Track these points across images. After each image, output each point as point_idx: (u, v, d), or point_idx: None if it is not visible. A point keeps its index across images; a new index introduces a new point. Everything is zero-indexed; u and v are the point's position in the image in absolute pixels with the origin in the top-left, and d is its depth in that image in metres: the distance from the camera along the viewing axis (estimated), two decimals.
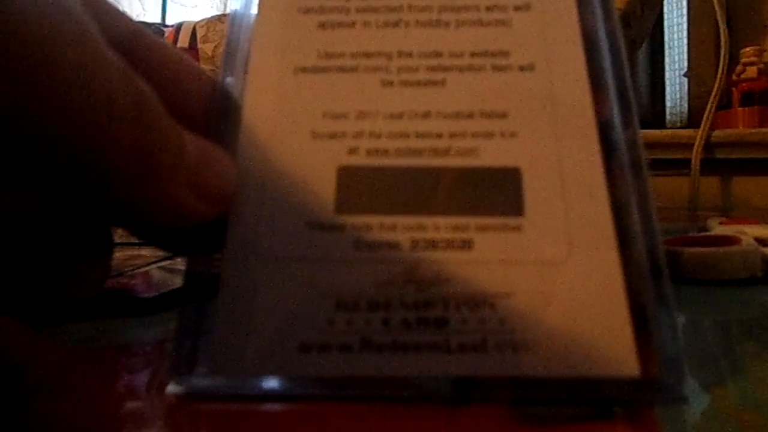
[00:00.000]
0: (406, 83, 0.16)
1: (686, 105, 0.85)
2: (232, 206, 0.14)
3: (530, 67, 0.16)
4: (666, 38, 0.87)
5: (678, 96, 0.87)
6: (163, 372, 0.15)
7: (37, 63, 0.09)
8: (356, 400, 0.13)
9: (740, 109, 0.73)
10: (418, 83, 0.16)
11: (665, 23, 0.87)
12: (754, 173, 0.73)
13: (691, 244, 0.26)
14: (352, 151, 0.15)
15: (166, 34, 0.85)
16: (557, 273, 0.14)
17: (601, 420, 0.12)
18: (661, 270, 0.14)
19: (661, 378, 0.13)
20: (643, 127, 0.15)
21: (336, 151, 0.15)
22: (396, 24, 0.17)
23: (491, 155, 0.15)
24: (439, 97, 0.16)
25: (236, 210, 0.14)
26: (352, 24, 0.17)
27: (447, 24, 0.17)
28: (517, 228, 0.14)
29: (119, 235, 0.18)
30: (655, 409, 0.13)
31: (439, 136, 0.15)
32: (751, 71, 0.72)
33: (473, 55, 0.16)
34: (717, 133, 0.72)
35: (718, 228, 0.34)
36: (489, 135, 0.15)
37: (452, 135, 0.15)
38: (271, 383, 0.13)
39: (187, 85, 0.15)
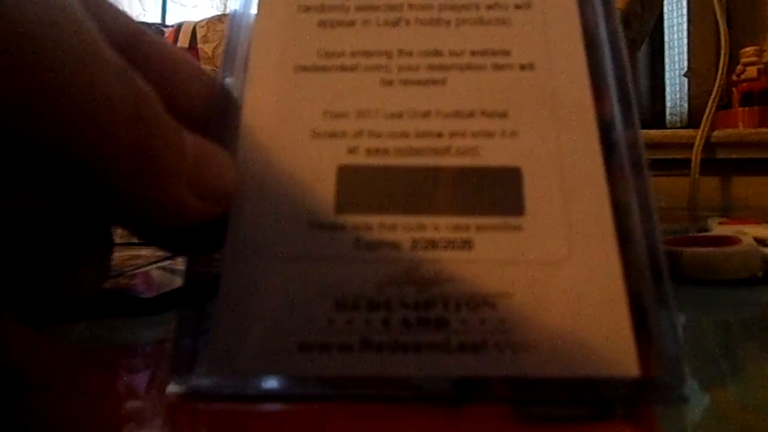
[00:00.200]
0: (406, 82, 0.16)
1: (686, 105, 0.85)
2: (232, 206, 0.14)
3: (531, 66, 0.16)
4: (666, 38, 0.87)
5: (678, 96, 0.87)
6: (163, 372, 0.15)
7: (36, 62, 0.09)
8: (356, 400, 0.13)
9: (740, 109, 0.73)
10: (418, 82, 0.16)
11: (665, 23, 0.87)
12: (754, 173, 0.73)
13: (691, 244, 0.26)
14: (352, 150, 0.15)
15: (166, 34, 0.85)
16: (557, 273, 0.14)
17: (601, 420, 0.12)
18: (661, 270, 0.14)
19: (661, 378, 0.13)
20: (643, 127, 0.15)
21: (336, 150, 0.15)
22: (396, 22, 0.17)
23: (491, 155, 0.15)
24: (439, 96, 0.16)
25: (236, 209, 0.14)
26: (352, 22, 0.17)
27: (447, 22, 0.17)
28: (518, 228, 0.14)
29: (119, 235, 0.18)
30: (655, 409, 0.13)
31: (440, 135, 0.15)
32: (751, 71, 0.72)
33: (473, 53, 0.16)
34: (717, 133, 0.72)
35: (718, 228, 0.34)
36: (489, 134, 0.15)
37: (452, 134, 0.15)
38: (271, 383, 0.13)
39: (187, 85, 0.15)
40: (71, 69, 0.10)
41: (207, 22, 0.84)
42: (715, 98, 0.72)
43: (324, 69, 0.16)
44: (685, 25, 0.85)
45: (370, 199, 0.15)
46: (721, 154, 0.72)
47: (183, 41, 0.83)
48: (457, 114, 0.15)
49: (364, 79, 0.16)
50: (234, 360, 0.13)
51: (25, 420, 0.13)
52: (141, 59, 0.13)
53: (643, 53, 0.86)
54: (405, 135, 0.15)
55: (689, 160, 0.71)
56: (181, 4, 1.44)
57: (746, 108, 0.73)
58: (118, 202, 0.12)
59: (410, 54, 0.16)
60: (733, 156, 0.72)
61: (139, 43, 0.14)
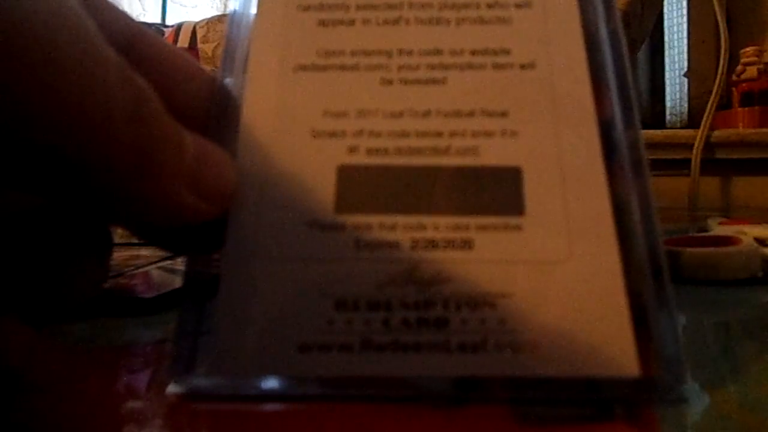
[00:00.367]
0: (406, 81, 0.16)
1: (686, 105, 0.85)
2: (232, 205, 0.14)
3: (531, 66, 0.16)
4: (666, 38, 0.87)
5: (678, 96, 0.87)
6: (163, 372, 0.15)
7: (35, 60, 0.09)
8: (356, 400, 0.13)
9: (740, 109, 0.73)
10: (418, 81, 0.16)
11: (665, 23, 0.87)
12: (754, 173, 0.73)
13: (691, 245, 0.26)
14: (352, 150, 0.15)
15: (166, 35, 0.85)
16: (558, 273, 0.14)
17: (601, 420, 0.12)
18: (661, 270, 0.14)
19: (661, 378, 0.13)
20: (643, 127, 0.15)
21: (336, 149, 0.15)
22: (396, 22, 0.17)
23: (492, 154, 0.15)
24: (439, 95, 0.16)
25: (236, 209, 0.14)
26: (352, 21, 0.17)
27: (447, 22, 0.17)
28: (518, 227, 0.14)
29: (119, 235, 0.18)
30: (655, 409, 0.13)
31: (440, 134, 0.15)
32: (751, 71, 0.72)
33: (474, 53, 0.16)
34: (717, 133, 0.72)
35: (718, 228, 0.34)
36: (489, 134, 0.15)
37: (452, 134, 0.15)
38: (271, 383, 0.13)
39: (187, 84, 0.15)
40: (71, 68, 0.10)
41: (207, 22, 0.84)
42: (715, 98, 0.72)
43: (324, 68, 0.16)
44: (685, 25, 0.85)
45: (370, 199, 0.15)
46: (721, 154, 0.72)
47: (183, 41, 0.83)
48: (457, 113, 0.15)
49: (364, 78, 0.16)
50: (234, 360, 0.13)
51: (25, 420, 0.13)
52: (141, 59, 0.13)
53: (643, 53, 0.86)
54: (405, 134, 0.15)
55: (689, 160, 0.71)
56: (181, 4, 1.44)
57: (746, 108, 0.73)
58: (117, 202, 0.12)
59: (410, 53, 0.16)
60: (733, 156, 0.72)
61: (139, 42, 0.14)
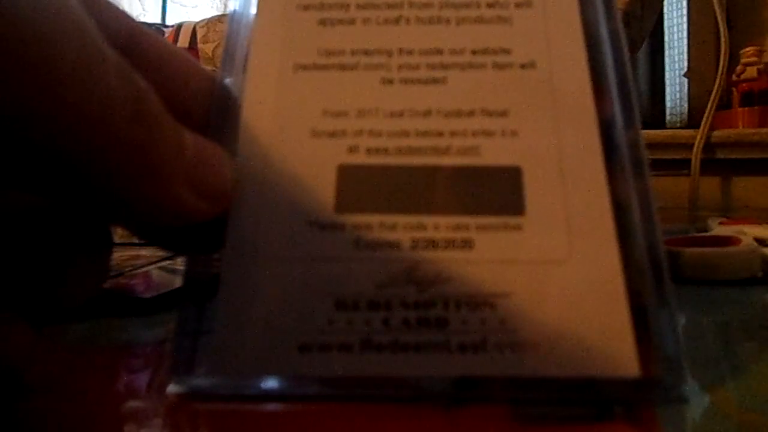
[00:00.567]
0: (406, 81, 0.16)
1: (686, 105, 0.85)
2: (232, 205, 0.14)
3: (531, 65, 0.16)
4: (666, 38, 0.87)
5: (678, 96, 0.87)
6: (163, 372, 0.15)
7: (35, 59, 0.09)
8: (356, 400, 0.13)
9: (740, 109, 0.73)
10: (418, 81, 0.16)
11: (665, 23, 0.87)
12: (754, 173, 0.73)
13: (691, 244, 0.26)
14: (352, 149, 0.15)
15: (166, 35, 0.85)
16: (558, 273, 0.14)
17: (601, 420, 0.12)
18: (661, 270, 0.14)
19: (661, 378, 0.13)
20: (643, 128, 0.15)
21: (336, 149, 0.15)
22: (396, 21, 0.17)
23: (492, 154, 0.15)
24: (439, 95, 0.16)
25: (236, 209, 0.14)
26: (352, 21, 0.17)
27: (448, 21, 0.17)
28: (518, 227, 0.14)
29: (119, 235, 0.18)
30: (655, 409, 0.13)
31: (440, 134, 0.15)
32: (751, 71, 0.72)
33: (474, 52, 0.16)
34: (717, 133, 0.72)
35: (718, 228, 0.34)
36: (490, 133, 0.15)
37: (453, 133, 0.15)
38: (271, 383, 0.13)
39: (187, 83, 0.15)
40: (71, 68, 0.10)
41: (207, 22, 0.84)
42: (715, 98, 0.72)
43: (324, 68, 0.16)
44: (685, 25, 0.85)
45: (370, 198, 0.15)
46: (721, 154, 0.72)
47: (183, 41, 0.83)
48: (457, 113, 0.15)
49: (364, 77, 0.16)
50: (234, 360, 0.13)
51: (25, 420, 0.13)
52: (141, 58, 0.13)
53: (643, 53, 0.86)
54: (405, 134, 0.15)
55: (689, 160, 0.71)
56: (181, 4, 1.44)
57: (746, 108, 0.73)
58: (117, 202, 0.12)
59: (410, 53, 0.16)
60: (733, 156, 0.72)
61: (139, 42, 0.14)
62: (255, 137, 0.15)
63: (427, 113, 0.15)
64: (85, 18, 0.10)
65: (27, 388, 0.14)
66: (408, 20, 0.17)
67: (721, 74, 0.72)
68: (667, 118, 0.87)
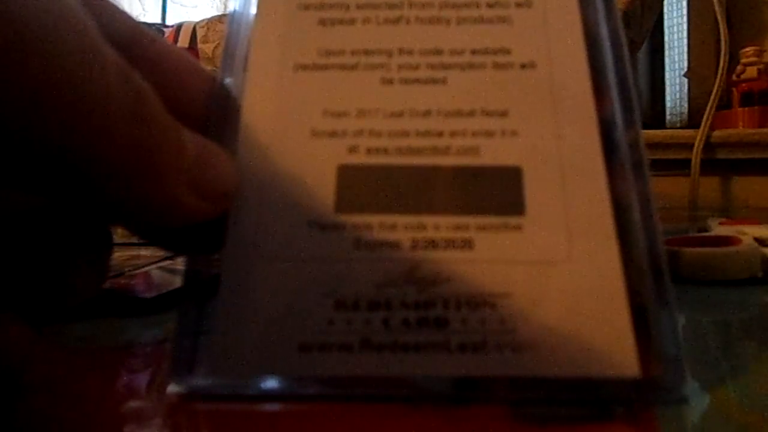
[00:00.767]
0: (406, 81, 0.16)
1: (686, 105, 0.85)
2: (232, 206, 0.14)
3: (531, 65, 0.16)
4: (666, 38, 0.87)
5: (678, 96, 0.87)
6: (163, 372, 0.15)
7: (34, 59, 0.09)
8: (356, 400, 0.13)
9: (740, 109, 0.73)
10: (418, 81, 0.16)
11: (665, 23, 0.87)
12: (754, 173, 0.73)
13: (691, 244, 0.26)
14: (352, 149, 0.15)
15: (166, 35, 0.85)
16: (558, 273, 0.14)
17: (601, 420, 0.12)
18: (661, 270, 0.14)
19: (661, 378, 0.13)
20: (643, 128, 0.15)
21: (336, 149, 0.15)
22: (396, 21, 0.17)
23: (492, 154, 0.15)
24: (439, 95, 0.16)
25: (236, 209, 0.14)
26: (353, 21, 0.17)
27: (448, 21, 0.17)
28: (518, 227, 0.14)
29: (119, 235, 0.18)
30: (655, 409, 0.13)
31: (440, 134, 0.15)
32: (751, 71, 0.72)
33: (474, 52, 0.16)
34: (717, 133, 0.72)
35: (718, 228, 0.34)
36: (490, 133, 0.15)
37: (453, 133, 0.15)
38: (271, 383, 0.13)
39: (187, 83, 0.15)
40: (70, 68, 0.10)
41: (207, 22, 0.84)
42: (715, 98, 0.72)
43: (324, 68, 0.16)
44: (685, 25, 0.85)
45: (370, 198, 0.15)
46: (721, 155, 0.73)
47: (183, 41, 0.83)
48: (457, 113, 0.15)
49: (364, 77, 0.16)
50: (234, 360, 0.13)
51: (25, 420, 0.13)
52: (140, 58, 0.13)
53: (643, 53, 0.86)
54: (405, 134, 0.15)
55: (689, 160, 0.71)
56: (181, 4, 1.44)
57: (746, 108, 0.73)
58: (117, 202, 0.12)
59: (411, 53, 0.16)
60: (733, 156, 0.72)
61: (139, 41, 0.14)
62: (255, 137, 0.15)
63: (427, 113, 0.15)
64: (84, 18, 0.10)
65: (27, 388, 0.14)
66: (408, 20, 0.17)
67: (721, 74, 0.72)
68: (667, 118, 0.87)
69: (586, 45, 0.16)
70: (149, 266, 0.26)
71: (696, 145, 0.71)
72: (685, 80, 0.85)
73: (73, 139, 0.10)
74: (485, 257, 0.14)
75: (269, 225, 0.14)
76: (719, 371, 0.15)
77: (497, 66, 0.16)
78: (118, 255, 0.28)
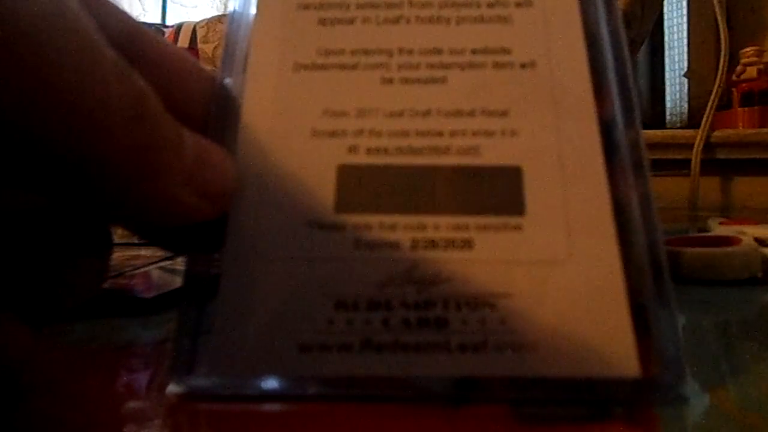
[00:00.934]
0: (406, 81, 0.16)
1: (686, 105, 0.85)
2: (232, 205, 0.14)
3: (532, 65, 0.16)
4: (666, 38, 0.87)
5: (678, 96, 0.87)
6: (163, 372, 0.15)
7: (34, 59, 0.09)
8: (356, 400, 0.13)
9: (740, 109, 0.73)
10: (418, 81, 0.16)
11: (665, 23, 0.87)
12: (754, 173, 0.73)
13: (691, 245, 0.26)
14: (352, 149, 0.15)
15: (166, 35, 0.85)
16: (558, 273, 0.14)
17: (600, 420, 0.12)
18: (661, 270, 0.14)
19: (661, 378, 0.13)
20: (643, 128, 0.15)
21: (336, 149, 0.15)
22: (396, 20, 0.17)
23: (492, 154, 0.15)
24: (439, 94, 0.16)
25: (236, 209, 0.14)
26: (352, 20, 0.17)
27: (448, 21, 0.17)
28: (518, 227, 0.14)
29: (119, 235, 0.18)
30: (655, 409, 0.13)
31: (440, 134, 0.15)
32: (751, 71, 0.72)
33: (474, 52, 0.16)
34: (717, 133, 0.72)
35: (718, 228, 0.34)
36: (490, 133, 0.15)
37: (453, 133, 0.15)
38: (271, 383, 0.13)
39: (187, 83, 0.15)
40: (70, 67, 0.10)
41: (207, 23, 0.84)
42: (715, 98, 0.72)
43: (324, 67, 0.16)
44: (685, 25, 0.85)
45: (370, 198, 0.15)
46: (721, 155, 0.73)
47: (183, 41, 0.83)
48: (457, 113, 0.15)
49: (364, 77, 0.16)
50: (234, 360, 0.13)
51: (25, 420, 0.13)
52: (140, 58, 0.13)
53: (643, 53, 0.86)
54: (405, 134, 0.15)
55: (689, 161, 0.71)
56: (181, 4, 1.44)
57: (746, 108, 0.73)
58: (117, 201, 0.12)
59: (410, 52, 0.16)
60: (733, 156, 0.72)
61: (139, 41, 0.14)
62: (255, 137, 0.15)
63: (427, 113, 0.15)
64: (84, 18, 0.10)
65: (27, 388, 0.14)
66: (408, 20, 0.17)
67: (721, 74, 0.72)
68: (667, 118, 0.87)
69: (586, 45, 0.16)
70: (149, 266, 0.26)
71: (696, 145, 0.71)
72: (685, 80, 0.85)
73: (72, 138, 0.10)
74: (485, 257, 0.14)
75: (269, 225, 0.14)
76: (719, 371, 0.15)
77: (497, 66, 0.16)
78: (118, 255, 0.28)
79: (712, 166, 0.73)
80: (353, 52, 0.16)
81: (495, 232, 0.14)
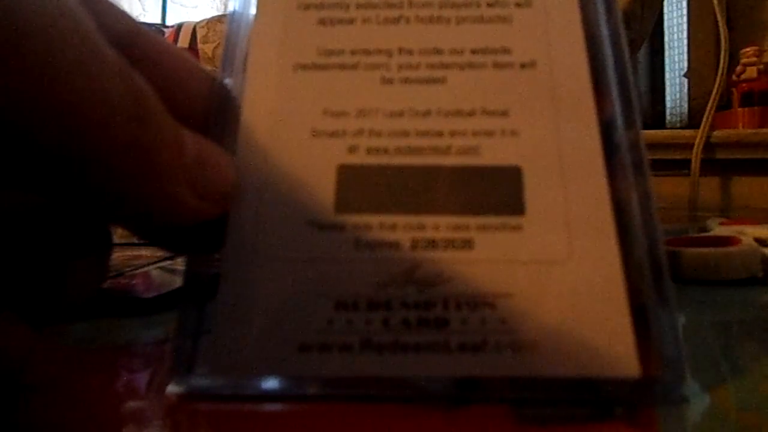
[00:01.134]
0: (406, 81, 0.16)
1: (686, 105, 0.85)
2: (232, 205, 0.14)
3: (532, 65, 0.16)
4: (666, 38, 0.87)
5: (678, 96, 0.87)
6: (163, 372, 0.15)
7: (34, 59, 0.09)
8: (356, 400, 0.13)
9: (740, 109, 0.73)
10: (418, 81, 0.16)
11: (665, 23, 0.87)
12: (754, 173, 0.73)
13: (691, 245, 0.26)
14: (352, 149, 0.15)
15: (166, 35, 0.85)
16: (558, 273, 0.14)
17: (601, 420, 0.12)
18: (661, 270, 0.14)
19: (661, 378, 0.13)
20: (643, 128, 0.15)
21: (336, 149, 0.15)
22: (396, 20, 0.17)
23: (492, 154, 0.15)
24: (439, 94, 0.16)
25: (236, 209, 0.14)
26: (352, 20, 0.17)
27: (448, 21, 0.17)
28: (518, 227, 0.14)
29: (119, 235, 0.18)
30: (655, 409, 0.13)
31: (440, 134, 0.15)
32: (751, 71, 0.72)
33: (474, 52, 0.16)
34: (717, 133, 0.72)
35: (718, 228, 0.34)
36: (490, 133, 0.15)
37: (453, 133, 0.15)
38: (271, 383, 0.13)
39: (187, 83, 0.15)
40: (70, 67, 0.10)
41: (207, 23, 0.84)
42: (715, 98, 0.72)
43: (324, 67, 0.16)
44: (685, 25, 0.85)
45: (370, 198, 0.15)
46: (721, 155, 0.73)
47: (183, 41, 0.83)
48: (457, 113, 0.15)
49: (364, 77, 0.16)
50: (234, 360, 0.13)
51: (25, 420, 0.13)
52: (140, 58, 0.13)
53: (643, 53, 0.86)
54: (405, 134, 0.15)
55: (689, 161, 0.71)
56: (181, 5, 1.44)
57: (746, 108, 0.73)
58: (117, 201, 0.12)
59: (410, 52, 0.16)
60: (733, 156, 0.72)
61: (139, 41, 0.14)
62: (255, 137, 0.15)
63: (427, 113, 0.15)
64: (84, 18, 0.10)
65: (27, 388, 0.14)
66: (408, 20, 0.17)
67: (721, 74, 0.72)
68: (667, 118, 0.87)
69: (586, 45, 0.16)
70: (149, 266, 0.26)
71: (696, 145, 0.71)
72: (685, 80, 0.85)
73: (72, 139, 0.10)
74: (485, 257, 0.14)
75: (269, 225, 0.14)
76: (719, 371, 0.15)
77: (497, 65, 0.16)
78: (118, 255, 0.28)
79: (712, 166, 0.73)
80: (353, 52, 0.16)
81: (495, 232, 0.14)
